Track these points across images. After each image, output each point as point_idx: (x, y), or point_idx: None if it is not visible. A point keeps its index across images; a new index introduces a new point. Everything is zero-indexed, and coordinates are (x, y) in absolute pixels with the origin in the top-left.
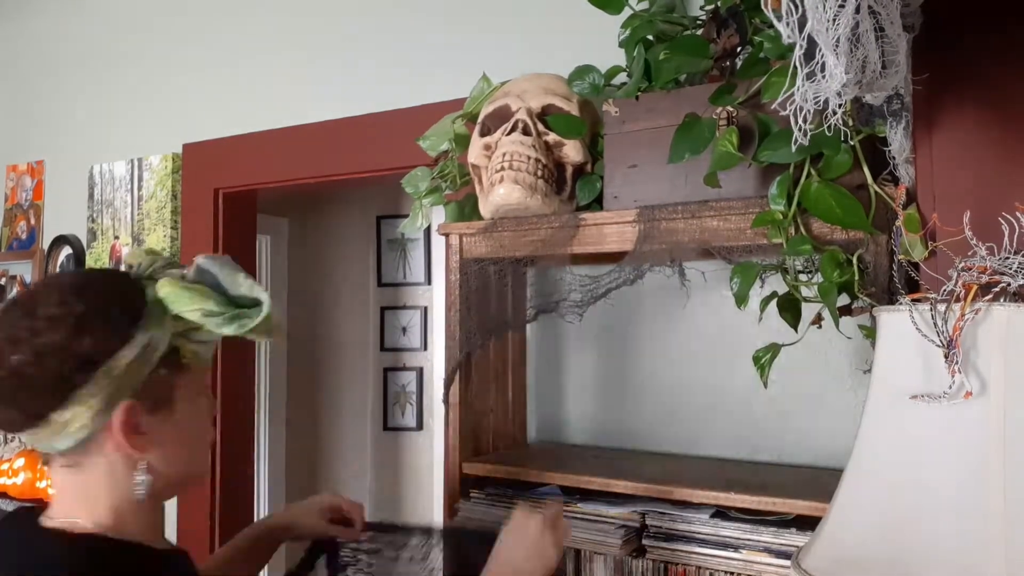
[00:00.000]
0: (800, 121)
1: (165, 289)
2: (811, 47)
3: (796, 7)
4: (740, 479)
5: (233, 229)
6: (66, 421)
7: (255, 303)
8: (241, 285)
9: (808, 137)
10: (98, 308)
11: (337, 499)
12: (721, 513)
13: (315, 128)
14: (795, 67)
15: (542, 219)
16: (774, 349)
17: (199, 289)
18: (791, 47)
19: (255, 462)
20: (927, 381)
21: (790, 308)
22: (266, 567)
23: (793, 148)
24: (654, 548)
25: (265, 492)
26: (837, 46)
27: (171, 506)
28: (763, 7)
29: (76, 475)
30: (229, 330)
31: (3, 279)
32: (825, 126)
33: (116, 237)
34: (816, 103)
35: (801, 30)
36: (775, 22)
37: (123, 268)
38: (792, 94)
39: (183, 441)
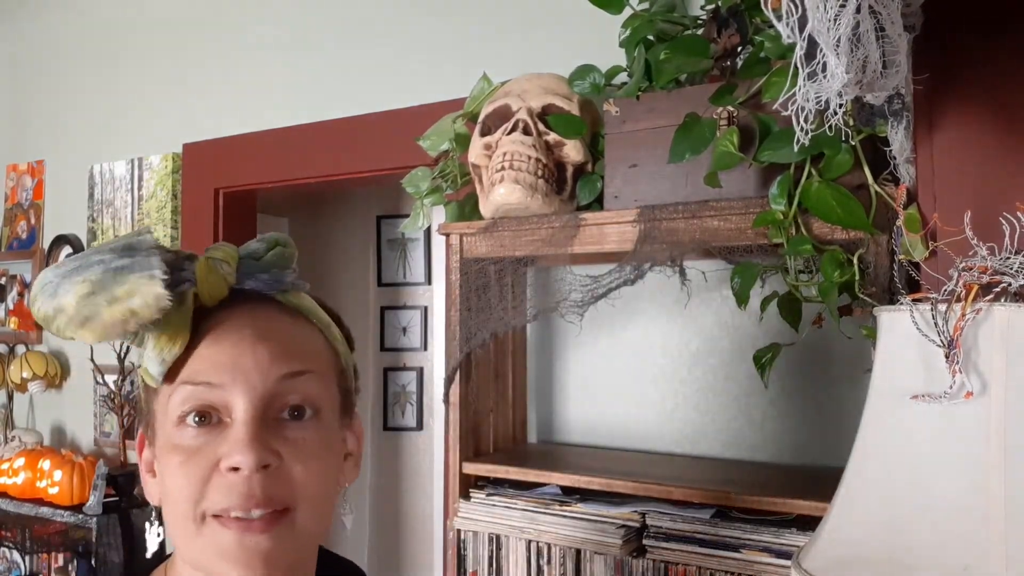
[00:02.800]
0: (801, 121)
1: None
2: (812, 47)
3: (796, 7)
4: (740, 479)
5: (233, 229)
6: None
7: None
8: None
9: (809, 137)
10: None
11: None
12: (721, 513)
13: (315, 128)
14: (796, 67)
15: (542, 219)
16: (774, 349)
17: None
18: (792, 47)
19: None
20: (927, 381)
21: (790, 308)
22: None
23: (794, 148)
24: (654, 548)
25: None
26: (838, 46)
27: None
28: (763, 7)
29: None
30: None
31: (3, 279)
32: (826, 126)
33: (116, 237)
34: (817, 103)
35: (801, 30)
36: (775, 22)
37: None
38: (793, 94)
39: (163, 493)
